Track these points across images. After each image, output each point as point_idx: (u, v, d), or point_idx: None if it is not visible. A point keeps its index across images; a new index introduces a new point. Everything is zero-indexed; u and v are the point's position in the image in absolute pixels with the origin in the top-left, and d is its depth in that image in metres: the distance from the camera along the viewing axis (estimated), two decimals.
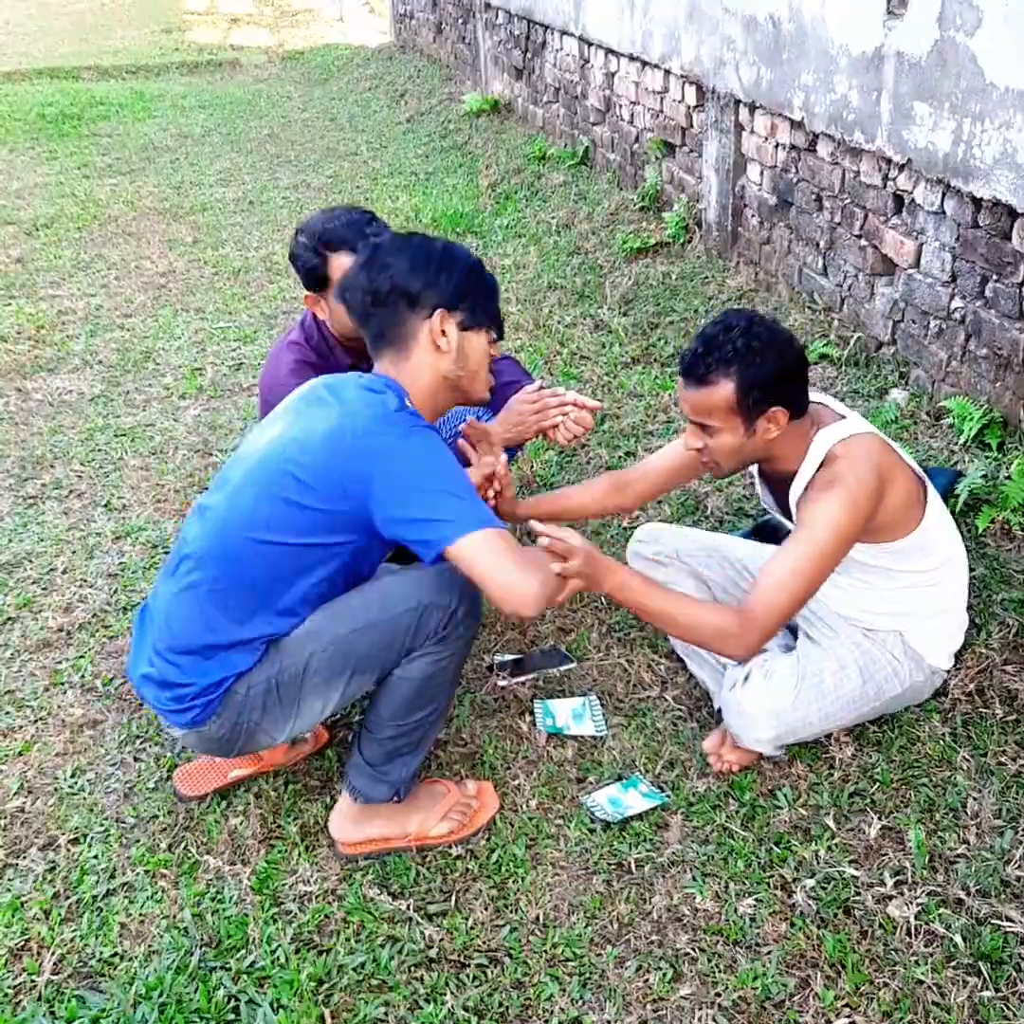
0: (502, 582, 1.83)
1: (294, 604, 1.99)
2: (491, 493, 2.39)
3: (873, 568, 2.26)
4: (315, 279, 2.50)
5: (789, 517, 2.31)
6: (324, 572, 1.98)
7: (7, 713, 2.62)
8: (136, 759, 2.46)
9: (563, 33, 6.46)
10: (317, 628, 2.00)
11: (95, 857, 2.21)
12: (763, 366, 2.08)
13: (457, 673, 2.13)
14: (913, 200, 3.46)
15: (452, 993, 1.91)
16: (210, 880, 2.15)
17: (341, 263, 2.44)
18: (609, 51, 5.81)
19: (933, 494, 2.28)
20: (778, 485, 2.32)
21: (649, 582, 2.14)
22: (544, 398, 2.59)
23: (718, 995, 1.89)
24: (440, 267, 2.01)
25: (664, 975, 1.92)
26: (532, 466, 3.52)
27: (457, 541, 1.82)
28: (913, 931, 1.96)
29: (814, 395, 2.25)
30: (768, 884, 2.08)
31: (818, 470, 2.15)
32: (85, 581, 3.11)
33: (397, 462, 1.85)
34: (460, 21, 8.77)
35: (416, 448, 1.87)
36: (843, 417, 2.22)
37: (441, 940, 2.01)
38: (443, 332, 2.00)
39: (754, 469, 2.45)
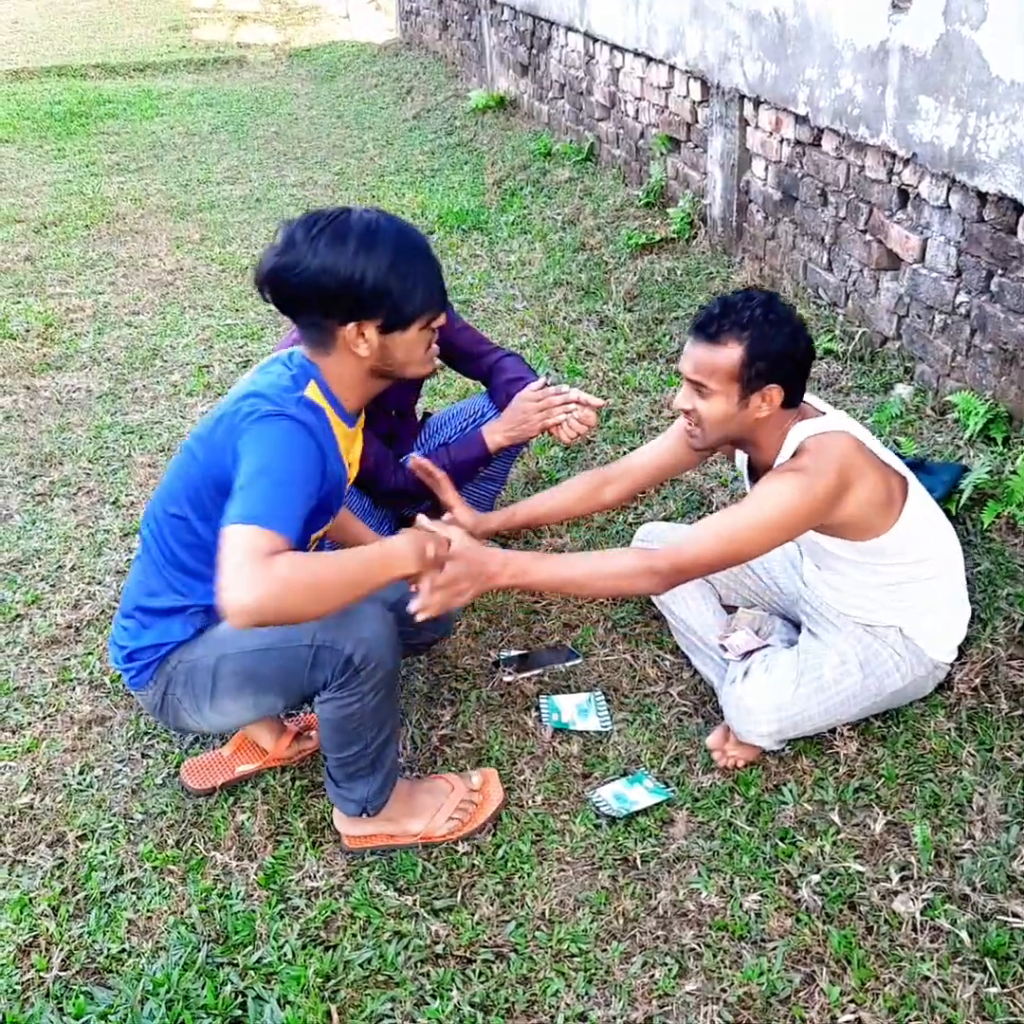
0: (224, 581, 1.62)
1: (209, 570, 1.88)
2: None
3: (859, 565, 2.26)
4: None
5: None
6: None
7: (15, 710, 2.63)
8: (144, 755, 2.47)
9: (568, 29, 6.46)
10: (229, 633, 2.02)
11: (103, 853, 2.22)
12: (774, 340, 2.08)
13: (381, 710, 2.03)
14: (918, 195, 3.45)
15: (458, 989, 1.91)
16: (217, 876, 2.16)
17: None
18: (614, 47, 5.81)
19: (916, 492, 2.26)
20: (759, 477, 2.32)
21: (543, 556, 2.11)
22: (548, 396, 2.59)
23: (723, 991, 1.89)
24: (354, 270, 1.83)
25: (669, 971, 1.93)
26: (537, 462, 3.52)
27: (225, 525, 1.69)
28: (918, 927, 1.97)
29: None
30: (773, 879, 2.08)
31: (789, 458, 2.15)
32: (93, 578, 3.12)
33: (251, 433, 1.81)
34: (465, 18, 8.76)
35: (272, 429, 1.80)
36: (823, 414, 2.22)
37: (447, 936, 2.01)
38: (362, 336, 1.90)
39: (743, 464, 2.45)
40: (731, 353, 2.09)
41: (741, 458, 2.45)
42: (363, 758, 2.09)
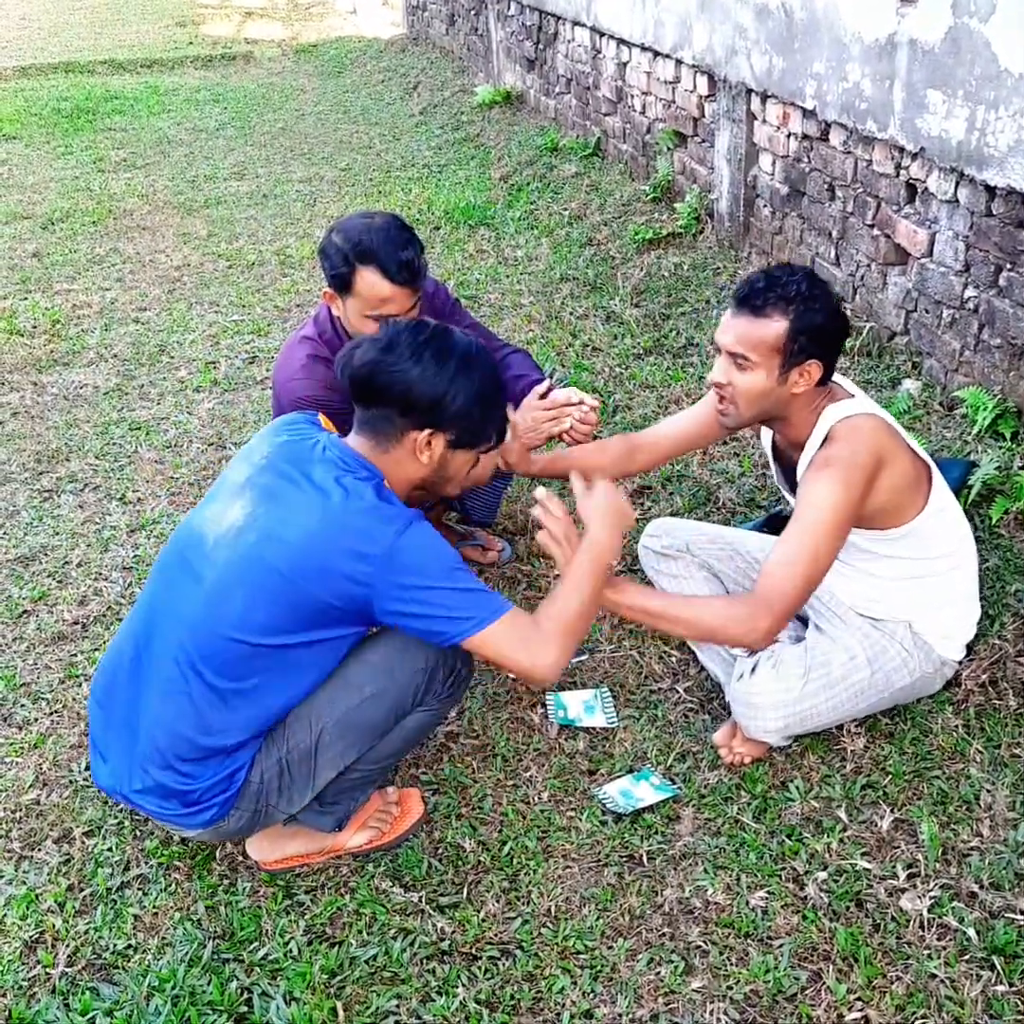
0: (526, 666, 1.89)
1: (291, 697, 1.96)
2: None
3: (877, 556, 2.26)
4: (339, 282, 2.48)
5: (794, 491, 2.31)
6: (321, 663, 1.95)
7: (22, 706, 2.64)
8: None
9: (575, 24, 6.44)
10: (324, 701, 1.97)
11: (109, 850, 2.22)
12: (818, 315, 2.09)
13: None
14: (926, 189, 3.44)
15: (464, 985, 1.91)
16: (223, 872, 2.16)
17: (368, 278, 2.43)
18: (621, 41, 5.79)
19: (939, 483, 2.27)
20: (786, 457, 2.32)
21: (650, 592, 2.15)
22: (556, 403, 2.58)
23: (730, 988, 1.89)
24: (448, 388, 1.91)
25: (676, 968, 1.92)
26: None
27: (475, 635, 1.86)
28: (926, 924, 1.96)
29: None
30: (780, 877, 2.08)
31: (820, 446, 2.15)
32: (100, 574, 3.13)
33: (399, 561, 1.82)
34: (472, 13, 8.75)
35: (415, 543, 1.84)
36: (852, 396, 2.22)
37: (453, 932, 2.01)
38: (429, 444, 1.94)
39: (767, 443, 2.44)
40: (777, 326, 2.09)
41: (766, 437, 2.46)
42: (384, 770, 2.13)
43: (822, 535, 2.07)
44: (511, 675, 1.94)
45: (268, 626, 1.86)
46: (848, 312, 3.98)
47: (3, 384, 4.36)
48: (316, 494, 1.86)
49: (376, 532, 1.82)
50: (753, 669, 2.32)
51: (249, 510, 1.90)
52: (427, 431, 1.92)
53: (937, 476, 2.28)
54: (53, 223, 6.32)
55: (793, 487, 2.33)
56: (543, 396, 2.60)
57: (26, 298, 5.24)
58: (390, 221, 2.50)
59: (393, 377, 1.89)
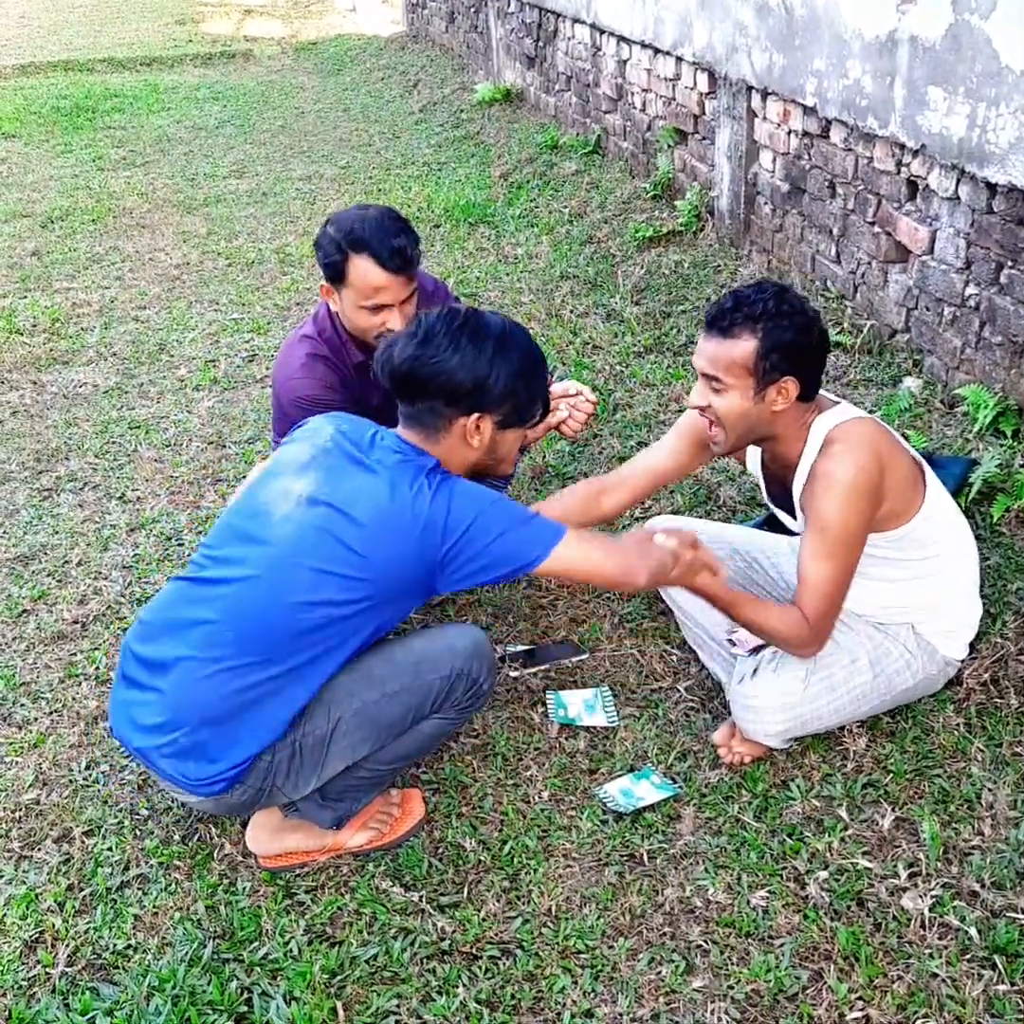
0: (609, 572, 2.00)
1: (329, 668, 1.97)
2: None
3: (877, 559, 2.25)
4: (333, 272, 2.49)
5: (791, 511, 2.29)
6: (365, 635, 1.97)
7: (22, 705, 2.63)
8: None
9: (575, 21, 6.43)
10: (345, 692, 1.98)
11: (109, 849, 2.22)
12: (788, 331, 2.07)
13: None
14: (927, 186, 3.43)
15: (464, 985, 1.91)
16: (223, 872, 2.16)
17: (360, 266, 2.43)
18: (621, 39, 5.78)
19: (933, 481, 2.27)
20: (779, 478, 2.30)
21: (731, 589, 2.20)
22: (554, 396, 2.57)
23: (731, 987, 1.88)
24: (489, 371, 1.95)
25: (676, 967, 1.92)
26: (544, 457, 3.51)
27: (546, 561, 1.93)
28: (927, 923, 1.96)
29: None
30: (781, 876, 2.07)
31: (818, 457, 2.14)
32: (100, 573, 3.12)
33: (448, 519, 1.87)
34: (472, 10, 8.73)
35: (470, 502, 1.90)
36: (837, 403, 2.22)
37: (453, 932, 2.01)
38: (478, 428, 1.99)
39: (756, 466, 2.43)
40: (745, 346, 2.08)
41: (753, 461, 2.43)
42: (394, 773, 2.15)
43: (846, 550, 2.12)
44: (602, 587, 2.08)
45: (332, 599, 1.88)
46: (849, 310, 3.98)
47: (2, 383, 4.36)
48: (381, 477, 1.91)
49: (435, 508, 1.87)
50: (754, 672, 2.31)
51: (316, 486, 1.93)
52: (475, 416, 1.97)
53: (931, 475, 2.27)
54: (52, 221, 6.32)
55: (786, 507, 2.33)
56: None
57: (26, 297, 5.23)
58: (384, 212, 2.51)
59: (435, 368, 1.93)
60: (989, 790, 2.21)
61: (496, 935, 2.00)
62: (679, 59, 5.09)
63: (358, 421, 2.07)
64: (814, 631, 2.16)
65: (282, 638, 1.89)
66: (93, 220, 6.31)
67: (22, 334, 4.79)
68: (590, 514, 2.48)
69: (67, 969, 1.98)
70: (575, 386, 2.59)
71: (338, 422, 2.06)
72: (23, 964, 2.00)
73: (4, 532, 3.36)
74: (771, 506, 2.47)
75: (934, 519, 2.23)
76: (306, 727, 1.98)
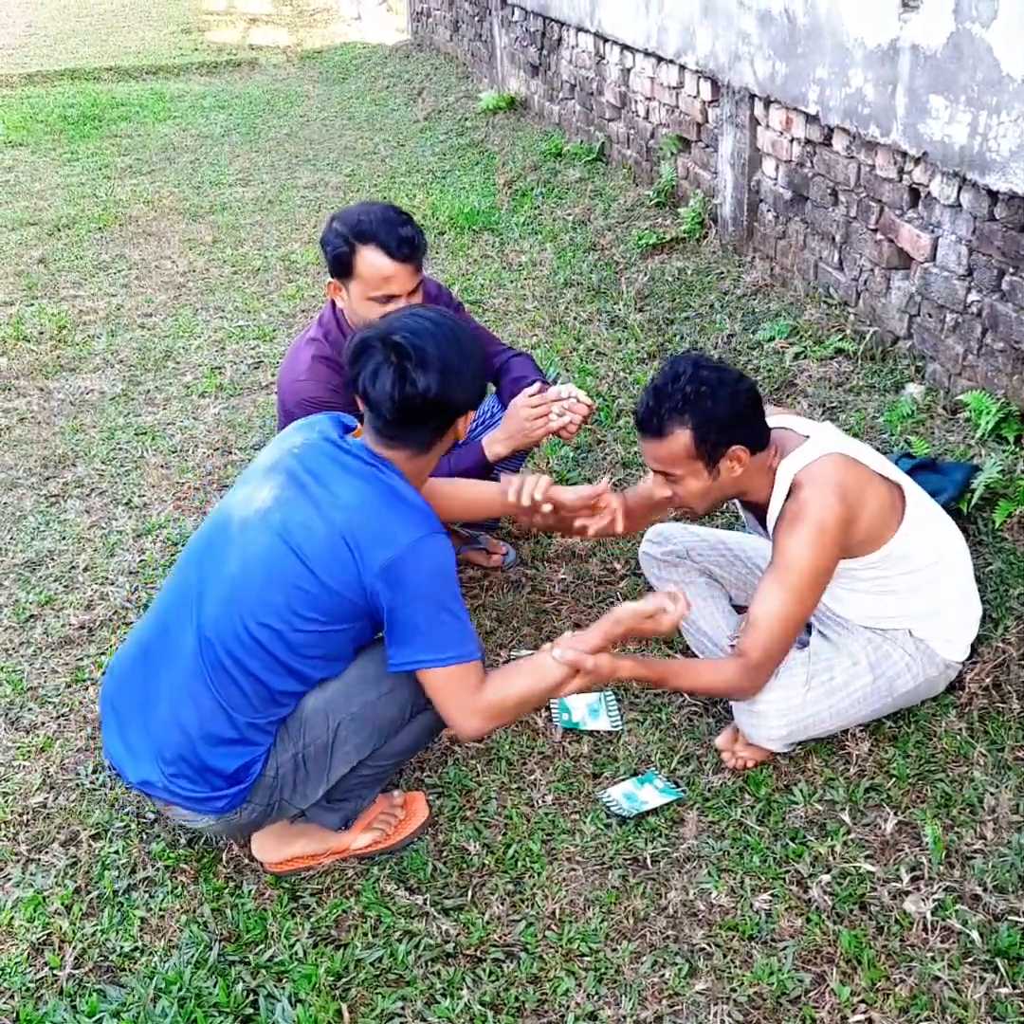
0: (454, 720, 1.96)
1: (306, 681, 1.97)
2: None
3: (859, 579, 2.27)
4: (340, 265, 2.51)
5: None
6: (333, 652, 1.97)
7: (29, 709, 2.65)
8: None
9: (579, 30, 6.46)
10: (339, 697, 1.99)
11: (116, 852, 2.23)
12: (716, 408, 2.10)
13: None
14: (929, 193, 3.44)
15: (468, 988, 1.92)
16: (229, 875, 2.17)
17: (368, 256, 2.46)
18: (625, 47, 5.80)
19: (914, 497, 2.27)
20: (757, 515, 2.34)
21: (648, 662, 2.18)
22: (546, 401, 2.58)
23: (734, 990, 1.89)
24: (471, 373, 1.98)
25: (680, 970, 1.93)
26: (548, 462, 3.53)
27: (432, 669, 1.91)
28: (929, 927, 1.96)
29: (775, 419, 2.26)
30: (784, 879, 2.08)
31: (786, 500, 2.16)
32: (106, 579, 3.14)
33: (409, 566, 1.86)
34: (476, 18, 8.77)
35: (429, 557, 1.88)
36: (807, 437, 2.22)
37: (457, 935, 2.02)
38: (458, 428, 2.03)
39: (740, 506, 2.45)
40: (681, 439, 2.12)
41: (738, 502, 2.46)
42: (395, 767, 2.15)
43: (803, 590, 2.13)
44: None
45: (286, 611, 1.88)
46: (851, 316, 3.99)
47: (10, 389, 4.38)
48: (344, 490, 1.90)
49: (399, 533, 1.86)
50: None
51: (277, 494, 1.94)
52: (463, 418, 2.01)
53: (911, 492, 2.27)
54: (59, 229, 6.35)
55: (767, 537, 2.34)
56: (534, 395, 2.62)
57: (33, 304, 5.26)
58: (388, 206, 2.56)
59: (422, 388, 1.90)
60: (991, 794, 2.22)
61: (500, 938, 2.01)
62: (682, 67, 5.11)
63: (333, 431, 2.03)
64: (750, 668, 2.16)
65: (250, 648, 1.90)
66: (99, 228, 6.34)
67: (29, 341, 4.82)
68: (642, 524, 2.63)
69: (74, 971, 2.00)
70: (568, 389, 2.61)
71: (311, 430, 2.04)
72: (31, 966, 2.01)
73: (12, 538, 3.38)
74: (755, 533, 2.50)
75: (914, 535, 2.23)
76: (307, 738, 1.98)
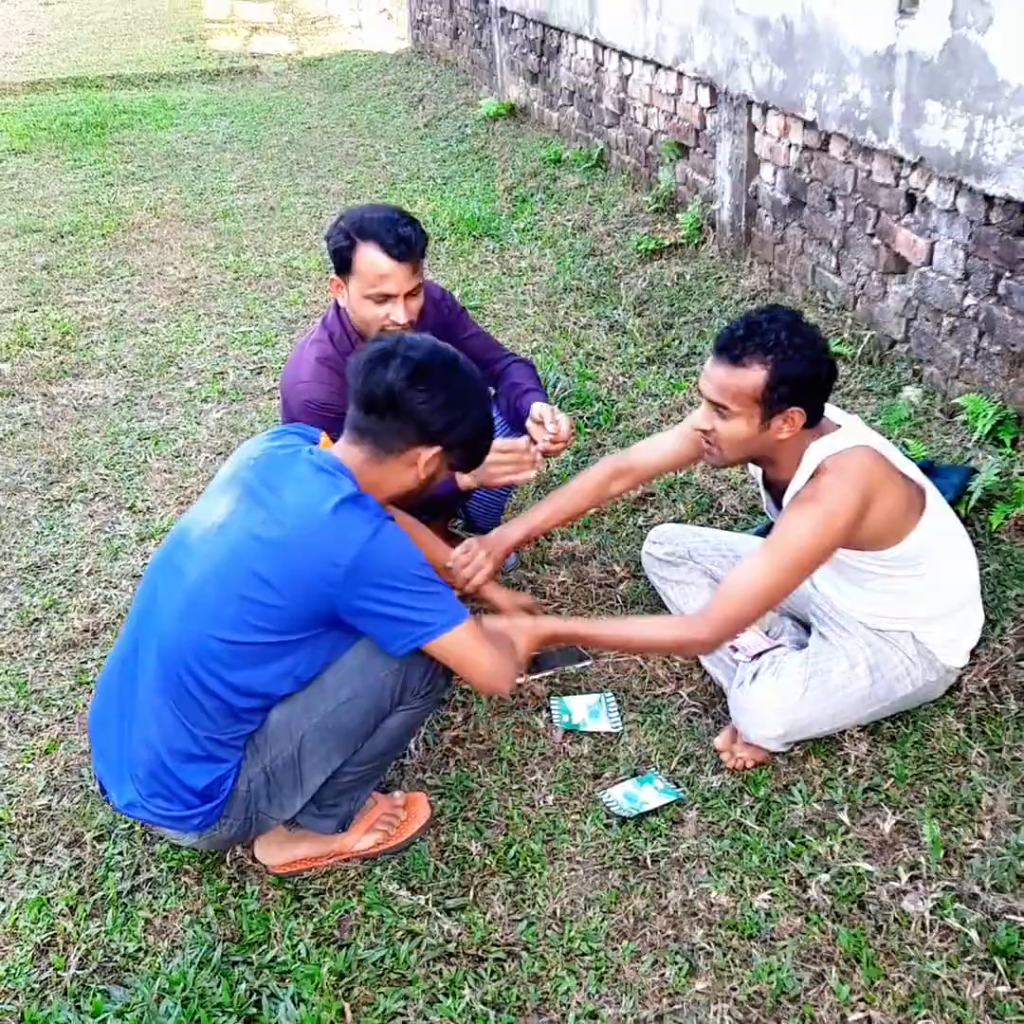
0: (485, 672, 2.00)
1: (266, 697, 1.96)
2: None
3: (873, 575, 2.26)
4: (341, 261, 2.54)
5: None
6: (292, 664, 1.94)
7: (34, 712, 2.67)
8: None
9: (578, 37, 6.49)
10: (301, 709, 1.97)
11: (120, 854, 2.25)
12: (798, 364, 2.06)
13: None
14: (925, 198, 3.47)
15: (470, 987, 1.93)
16: (232, 876, 2.19)
17: (367, 253, 2.49)
18: (623, 54, 5.83)
19: (934, 500, 2.26)
20: (775, 492, 2.33)
21: (593, 620, 2.19)
22: (517, 449, 2.57)
23: (733, 989, 1.90)
24: (463, 416, 1.99)
25: (680, 969, 1.94)
26: (549, 466, 3.54)
27: (439, 638, 1.92)
28: (928, 926, 1.97)
29: None
30: (783, 879, 2.10)
31: (807, 482, 2.15)
32: (110, 582, 3.16)
33: (368, 563, 1.84)
34: (476, 26, 8.81)
35: (385, 546, 1.86)
36: (839, 426, 2.21)
37: (459, 935, 2.03)
38: (429, 462, 2.00)
39: (758, 476, 2.46)
40: (754, 376, 2.07)
41: (756, 469, 2.46)
42: (381, 768, 2.14)
43: (788, 567, 2.10)
44: (467, 684, 2.00)
45: (240, 622, 1.87)
46: (849, 320, 4.01)
47: (14, 395, 4.40)
48: (294, 497, 1.89)
49: (350, 534, 1.85)
50: (754, 676, 2.34)
51: (233, 506, 1.94)
52: (436, 449, 1.98)
53: (931, 494, 2.26)
54: (62, 236, 6.37)
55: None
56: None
57: (36, 310, 5.28)
58: (394, 208, 2.59)
59: (422, 397, 1.93)
60: (989, 794, 2.23)
61: (502, 937, 2.03)
62: (680, 74, 5.14)
63: (294, 440, 2.03)
64: (705, 621, 2.14)
65: (210, 661, 1.89)
66: (102, 234, 6.36)
67: (33, 347, 4.84)
68: (602, 494, 2.62)
69: (79, 972, 2.01)
70: (550, 416, 2.61)
71: (271, 440, 2.04)
72: (35, 967, 2.03)
73: (16, 542, 3.40)
74: (770, 515, 2.49)
75: (931, 537, 2.22)
76: (273, 751, 1.98)
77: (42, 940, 2.08)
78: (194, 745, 1.93)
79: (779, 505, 2.32)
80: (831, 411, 2.27)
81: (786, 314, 2.12)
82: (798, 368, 2.06)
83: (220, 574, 1.89)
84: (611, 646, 2.24)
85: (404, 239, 2.48)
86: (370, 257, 2.48)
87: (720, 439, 2.18)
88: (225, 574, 1.88)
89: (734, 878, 2.11)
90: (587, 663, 2.70)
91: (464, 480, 2.63)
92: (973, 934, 1.95)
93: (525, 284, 5.10)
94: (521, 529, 2.55)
